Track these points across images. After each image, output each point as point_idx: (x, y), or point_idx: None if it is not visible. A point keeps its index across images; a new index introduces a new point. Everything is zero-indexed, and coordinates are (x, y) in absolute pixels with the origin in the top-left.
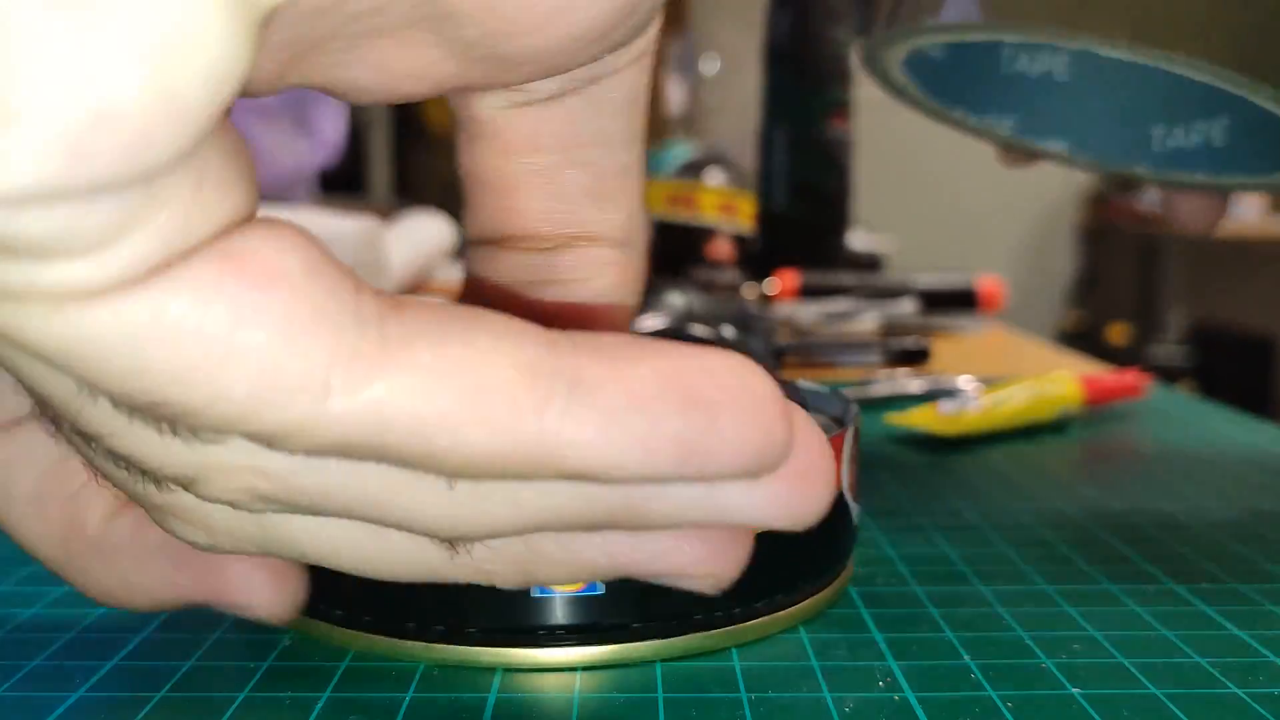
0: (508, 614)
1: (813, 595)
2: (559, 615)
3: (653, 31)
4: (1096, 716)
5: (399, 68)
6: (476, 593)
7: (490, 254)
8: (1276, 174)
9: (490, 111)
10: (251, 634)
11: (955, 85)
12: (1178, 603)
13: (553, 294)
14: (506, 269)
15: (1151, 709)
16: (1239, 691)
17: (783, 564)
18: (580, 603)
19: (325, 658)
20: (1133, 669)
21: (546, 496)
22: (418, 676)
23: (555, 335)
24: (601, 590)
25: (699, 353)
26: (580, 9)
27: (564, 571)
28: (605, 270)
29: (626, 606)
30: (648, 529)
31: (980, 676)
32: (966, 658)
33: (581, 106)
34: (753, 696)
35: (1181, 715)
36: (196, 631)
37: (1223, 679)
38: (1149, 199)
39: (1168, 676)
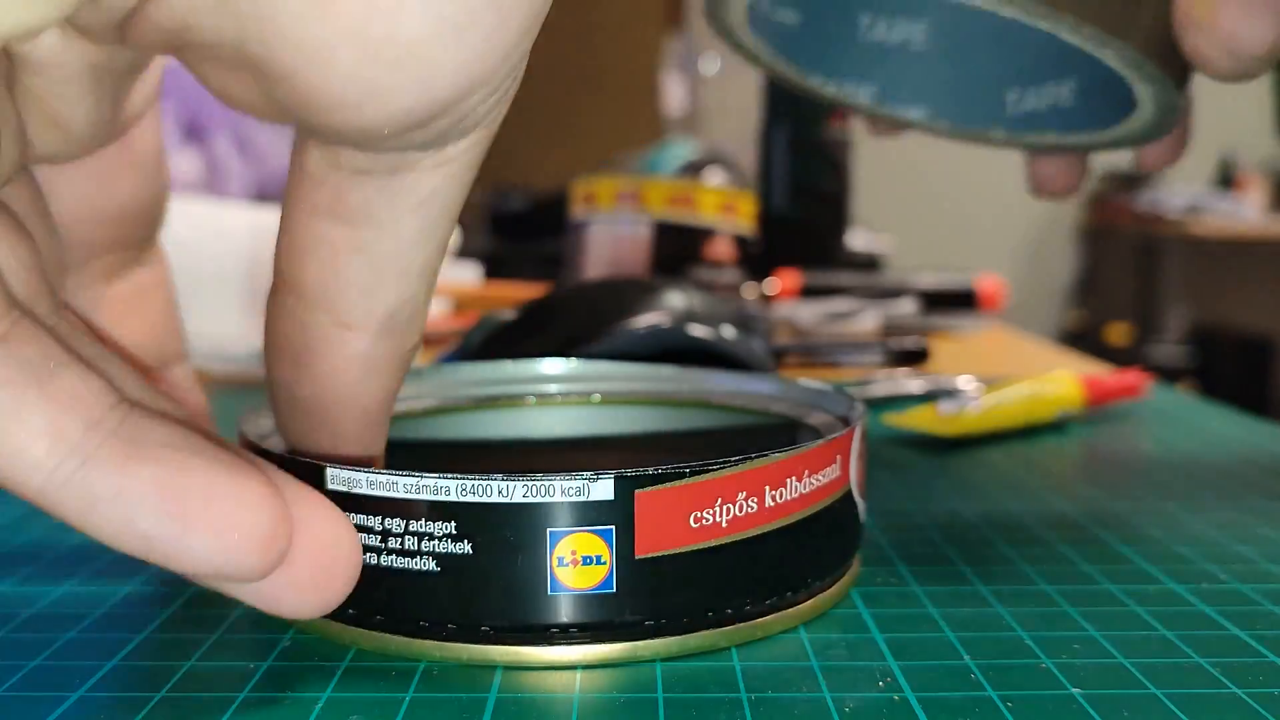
0: (520, 612)
1: (820, 593)
2: (571, 613)
3: (465, 146)
4: (1096, 716)
5: (235, 93)
6: (490, 590)
7: (280, 285)
8: (1114, 128)
9: (311, 165)
10: (251, 634)
11: (812, 52)
12: (1178, 603)
13: (306, 369)
14: (285, 312)
15: (1151, 709)
16: (1239, 691)
17: (790, 562)
18: (592, 600)
19: (325, 657)
20: (1133, 669)
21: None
22: (418, 676)
23: (110, 415)
24: (613, 588)
25: (217, 474)
26: (365, 111)
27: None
28: (350, 359)
29: (639, 604)
30: None
31: (980, 676)
32: (966, 658)
33: (377, 191)
34: (753, 696)
35: (1181, 715)
36: (196, 631)
37: (1223, 679)
38: (1147, 199)
39: (1168, 676)
